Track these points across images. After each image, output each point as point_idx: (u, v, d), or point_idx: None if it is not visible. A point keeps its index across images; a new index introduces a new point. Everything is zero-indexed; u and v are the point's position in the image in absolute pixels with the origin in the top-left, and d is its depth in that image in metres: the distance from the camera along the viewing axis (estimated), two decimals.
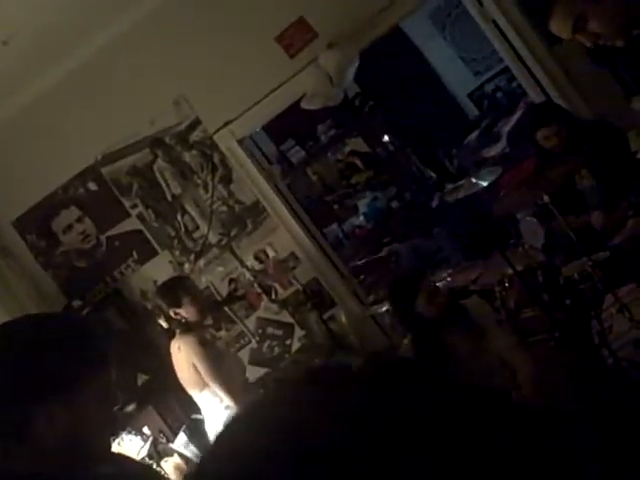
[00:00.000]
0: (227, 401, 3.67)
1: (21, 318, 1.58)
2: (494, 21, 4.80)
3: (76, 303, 4.81)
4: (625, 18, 2.14)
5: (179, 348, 3.74)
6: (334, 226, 7.46)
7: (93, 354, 1.53)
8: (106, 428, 1.58)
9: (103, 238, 5.05)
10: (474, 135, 7.04)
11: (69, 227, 5.05)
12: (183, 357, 3.72)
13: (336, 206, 7.61)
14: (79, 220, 5.04)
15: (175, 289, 3.85)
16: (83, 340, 1.54)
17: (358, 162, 7.49)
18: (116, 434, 1.64)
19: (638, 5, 2.15)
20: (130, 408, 4.47)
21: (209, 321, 4.54)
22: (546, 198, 3.90)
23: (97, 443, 1.54)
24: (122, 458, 1.86)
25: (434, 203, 6.74)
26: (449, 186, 6.57)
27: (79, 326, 1.61)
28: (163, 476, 3.20)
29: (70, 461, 1.46)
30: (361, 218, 7.46)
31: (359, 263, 6.84)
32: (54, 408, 1.42)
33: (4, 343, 1.50)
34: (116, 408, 1.73)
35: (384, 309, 4.90)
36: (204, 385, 3.71)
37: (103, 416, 1.55)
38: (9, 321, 1.56)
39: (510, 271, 4.13)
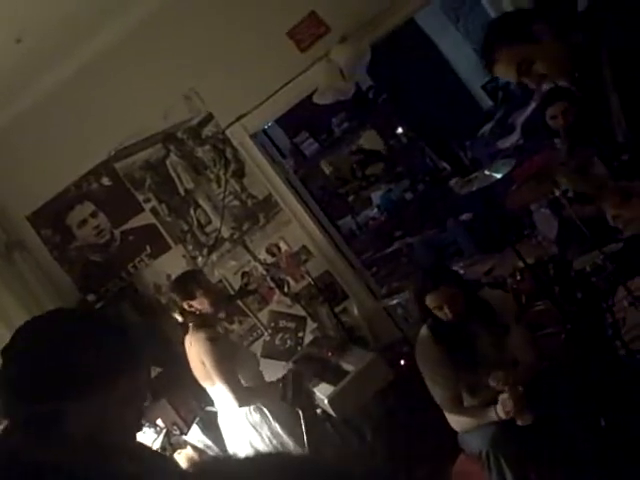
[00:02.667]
0: (231, 401, 3.68)
1: (54, 312, 1.59)
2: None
3: (90, 297, 4.86)
4: (568, 59, 2.17)
5: (191, 343, 3.79)
6: (348, 218, 7.48)
7: (126, 353, 1.54)
8: (133, 425, 1.60)
9: (117, 232, 5.09)
10: (488, 127, 7.01)
11: (83, 222, 5.09)
12: (194, 352, 3.76)
13: (350, 198, 7.63)
14: (93, 215, 5.09)
15: (188, 282, 3.89)
16: (117, 338, 1.55)
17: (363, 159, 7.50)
18: (142, 429, 1.65)
19: (575, 42, 2.16)
20: None
21: (222, 314, 4.57)
22: (557, 191, 3.89)
23: (123, 439, 1.56)
24: (147, 453, 1.87)
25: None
26: (455, 179, 6.59)
27: (115, 324, 1.62)
28: (188, 472, 3.23)
29: (93, 456, 1.48)
30: (375, 210, 7.48)
31: (372, 255, 6.86)
32: (83, 405, 1.44)
33: (37, 337, 1.51)
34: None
35: (396, 301, 4.91)
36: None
37: (131, 413, 1.57)
38: (42, 315, 1.56)
39: (522, 264, 4.13)
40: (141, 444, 1.84)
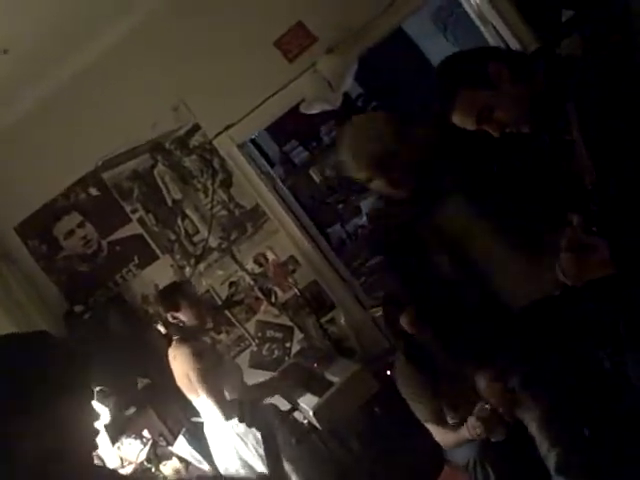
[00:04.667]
0: (216, 413, 3.70)
1: (1, 337, 1.61)
2: (492, 24, 4.81)
3: (78, 308, 4.85)
4: (527, 103, 2.11)
5: (174, 357, 3.80)
6: (337, 226, 7.47)
7: (70, 373, 1.56)
8: (86, 444, 1.61)
9: (104, 243, 5.08)
10: None
11: (71, 232, 5.08)
12: (178, 366, 3.78)
13: (340, 206, 7.61)
14: (80, 225, 5.07)
15: (173, 294, 3.91)
16: (61, 359, 1.57)
17: None
18: (96, 449, 1.66)
19: (536, 87, 2.12)
20: (130, 411, 4.51)
21: (209, 325, 4.58)
22: None
23: (77, 458, 1.57)
24: (106, 472, 1.90)
25: None
26: None
27: (59, 345, 1.64)
28: None
29: (49, 477, 1.49)
30: (364, 218, 7.47)
31: (362, 264, 6.84)
32: (32, 424, 1.45)
33: None
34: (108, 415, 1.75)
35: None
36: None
37: (83, 432, 1.58)
38: None
39: None
40: (102, 467, 1.85)
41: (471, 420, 3.17)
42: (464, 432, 3.24)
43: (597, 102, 1.95)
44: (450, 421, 3.37)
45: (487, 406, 3.14)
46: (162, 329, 3.88)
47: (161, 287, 4.49)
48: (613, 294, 2.17)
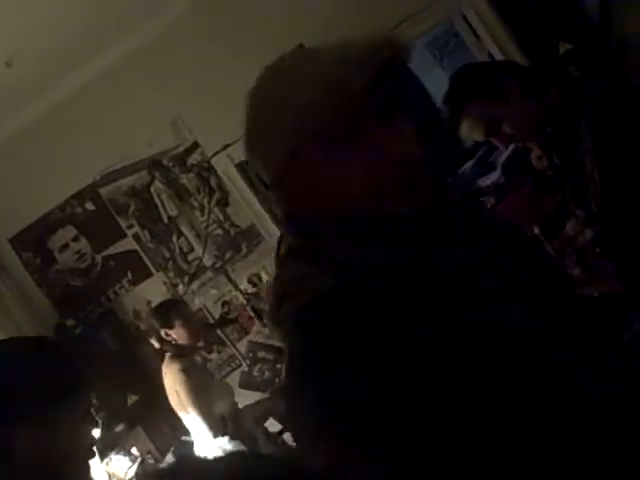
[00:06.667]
0: (205, 430, 3.69)
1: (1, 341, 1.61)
2: (489, 53, 4.88)
3: (69, 322, 4.82)
4: (536, 119, 2.15)
5: (166, 373, 3.79)
6: None
7: (71, 375, 1.56)
8: (84, 450, 1.60)
9: (98, 258, 5.07)
10: (469, 164, 7.06)
11: (65, 246, 5.06)
12: (169, 382, 3.77)
13: None
14: (75, 239, 5.06)
15: (168, 311, 3.91)
16: (62, 361, 1.57)
17: None
18: (93, 457, 1.64)
19: (548, 103, 2.15)
20: (119, 428, 4.48)
21: (201, 344, 4.57)
22: (536, 230, 3.93)
23: (74, 465, 1.56)
24: None
25: None
26: None
27: (58, 348, 1.64)
28: None
29: None
30: None
31: None
32: (30, 428, 1.44)
33: None
34: (99, 430, 1.73)
35: None
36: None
37: (81, 438, 1.57)
38: None
39: None
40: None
41: None
42: None
43: (612, 121, 1.98)
44: None
45: None
46: (156, 344, 3.86)
47: (154, 304, 4.47)
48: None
